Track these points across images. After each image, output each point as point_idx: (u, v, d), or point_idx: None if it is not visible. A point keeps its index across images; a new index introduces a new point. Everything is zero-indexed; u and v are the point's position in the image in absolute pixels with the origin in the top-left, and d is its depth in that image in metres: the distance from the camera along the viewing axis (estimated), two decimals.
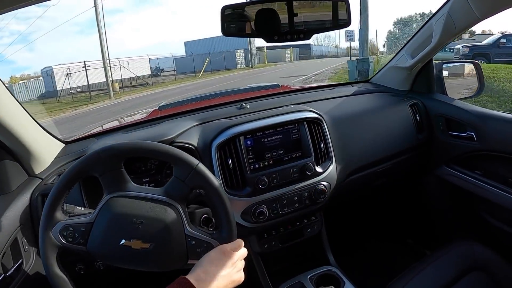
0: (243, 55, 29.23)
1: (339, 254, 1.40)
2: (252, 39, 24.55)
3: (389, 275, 1.14)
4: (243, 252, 0.80)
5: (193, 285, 0.66)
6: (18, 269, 0.92)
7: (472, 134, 1.36)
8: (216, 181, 0.79)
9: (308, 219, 1.34)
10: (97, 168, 0.78)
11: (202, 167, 0.77)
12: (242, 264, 0.79)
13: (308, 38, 0.88)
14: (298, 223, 1.33)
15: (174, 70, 27.36)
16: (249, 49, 28.93)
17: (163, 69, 30.06)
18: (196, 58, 25.93)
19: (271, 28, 0.85)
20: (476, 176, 1.38)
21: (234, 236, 0.79)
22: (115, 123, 1.51)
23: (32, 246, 0.99)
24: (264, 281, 1.32)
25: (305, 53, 45.49)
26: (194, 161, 0.77)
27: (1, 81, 0.92)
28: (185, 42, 35.35)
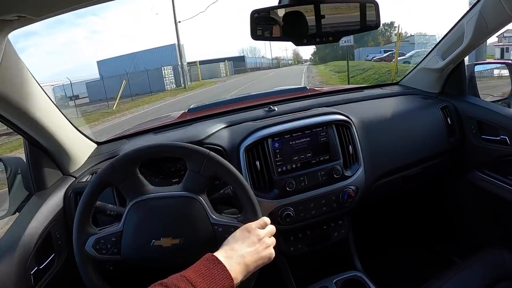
0: (172, 72, 23.70)
1: (365, 258, 1.39)
2: (182, 53, 22.61)
3: (416, 282, 1.11)
4: (270, 229, 0.79)
5: (220, 261, 0.65)
6: (51, 263, 0.97)
7: (505, 138, 1.31)
8: (230, 165, 0.81)
9: (335, 223, 1.33)
10: (115, 179, 0.83)
11: (213, 155, 0.80)
12: (271, 241, 0.78)
13: (337, 41, 0.88)
14: (325, 227, 1.32)
15: (87, 97, 21.58)
16: (180, 65, 23.16)
17: (77, 96, 21.18)
18: (112, 80, 19.55)
19: (300, 31, 0.85)
20: (509, 182, 1.33)
21: (258, 214, 0.80)
22: (146, 125, 1.56)
23: (64, 241, 1.03)
24: (289, 284, 1.32)
25: (240, 66, 43.43)
26: (204, 151, 0.80)
27: (39, 84, 0.97)
28: (98, 62, 28.48)
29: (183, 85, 22.86)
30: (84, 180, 1.12)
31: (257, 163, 1.13)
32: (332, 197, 1.19)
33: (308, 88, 1.70)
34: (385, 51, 24.80)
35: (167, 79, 23.09)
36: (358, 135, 1.25)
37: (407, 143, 1.36)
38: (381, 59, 22.62)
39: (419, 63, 1.59)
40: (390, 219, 1.88)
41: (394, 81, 1.71)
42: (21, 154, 1.13)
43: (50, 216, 1.00)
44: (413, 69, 1.64)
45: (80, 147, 1.19)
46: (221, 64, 37.13)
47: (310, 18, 0.85)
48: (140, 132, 1.40)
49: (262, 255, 0.73)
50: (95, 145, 1.31)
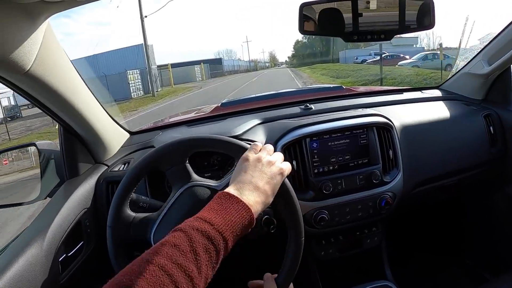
0: (139, 77, 20.37)
1: (395, 268, 1.33)
2: (150, 54, 19.84)
3: None
4: (269, 147, 0.74)
5: (232, 194, 0.60)
6: (79, 251, 0.96)
7: None
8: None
9: (368, 230, 1.29)
10: (165, 163, 0.80)
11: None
12: (279, 156, 0.72)
13: (389, 39, 0.83)
14: (358, 233, 1.28)
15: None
16: (148, 69, 19.24)
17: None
18: None
19: (350, 27, 0.81)
20: None
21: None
22: (179, 117, 1.55)
23: (94, 230, 1.03)
24: None
25: (216, 69, 39.84)
26: (245, 145, 0.77)
27: (77, 71, 0.96)
28: None
29: (151, 92, 19.52)
30: (116, 169, 1.11)
31: (294, 162, 1.10)
32: (369, 202, 1.14)
33: (343, 87, 1.64)
34: (375, 54, 23.49)
35: (133, 85, 19.85)
36: (398, 139, 1.19)
37: (447, 151, 1.30)
38: (375, 62, 21.46)
39: (463, 68, 1.51)
40: (422, 228, 1.81)
41: (434, 85, 1.63)
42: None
43: (81, 204, 1.00)
44: (455, 73, 1.56)
45: (113, 136, 1.19)
46: (196, 67, 33.98)
47: (366, 15, 0.82)
48: (173, 124, 1.39)
49: (273, 171, 0.67)
50: (128, 135, 1.30)
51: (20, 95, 0.86)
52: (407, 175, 1.19)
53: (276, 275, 0.77)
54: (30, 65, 0.73)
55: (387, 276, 1.32)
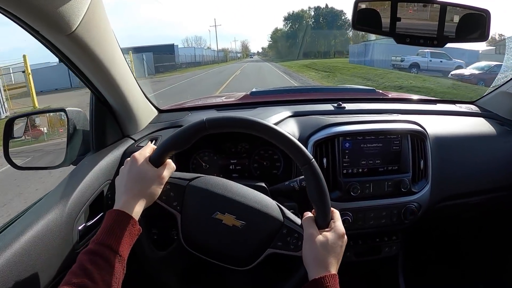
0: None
1: (409, 278, 1.32)
2: None
3: None
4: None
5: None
6: (99, 221, 0.96)
7: None
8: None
9: (389, 237, 1.27)
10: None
11: (315, 164, 0.73)
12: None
13: (442, 46, 0.81)
14: (378, 239, 1.26)
15: None
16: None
17: None
18: None
19: (411, 31, 0.79)
20: None
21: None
22: (208, 101, 1.54)
23: (114, 201, 1.03)
24: None
25: (165, 61, 25.99)
26: (309, 156, 0.74)
27: (118, 42, 0.95)
28: None
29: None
30: (142, 144, 1.11)
31: (324, 160, 1.08)
32: (394, 210, 1.13)
33: (376, 90, 1.62)
34: (439, 57, 16.94)
35: None
36: (431, 150, 1.17)
37: (478, 169, 1.27)
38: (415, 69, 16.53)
39: (501, 86, 1.46)
40: (441, 241, 1.78)
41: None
42: None
43: (106, 175, 1.00)
44: (492, 91, 1.52)
45: (143, 111, 1.19)
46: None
47: (420, 19, 0.79)
48: (202, 106, 1.38)
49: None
50: (156, 112, 1.30)
51: (59, 58, 0.85)
52: (435, 188, 1.17)
53: (310, 215, 0.77)
54: (75, 27, 0.72)
55: (400, 286, 1.30)
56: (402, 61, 18.45)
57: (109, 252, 0.62)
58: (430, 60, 17.41)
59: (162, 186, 0.75)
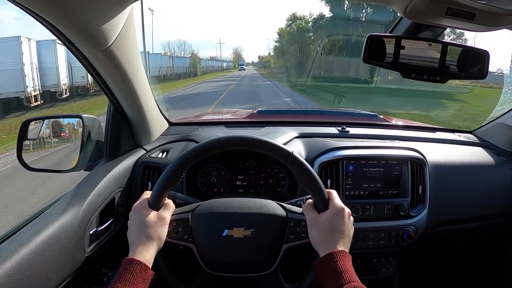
0: None
1: None
2: None
3: None
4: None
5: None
6: (108, 227, 1.00)
7: None
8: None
9: (386, 259, 1.30)
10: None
11: (296, 155, 0.79)
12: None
13: (444, 82, 0.87)
14: (375, 260, 1.30)
15: None
16: None
17: None
18: None
19: (415, 59, 0.85)
20: None
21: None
22: (217, 116, 1.59)
23: (124, 209, 1.07)
24: None
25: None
26: (288, 149, 0.80)
27: (140, 58, 1.01)
28: None
29: None
30: (154, 155, 1.16)
31: (329, 182, 1.13)
32: (392, 232, 1.17)
33: (379, 116, 1.67)
34: None
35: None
36: (429, 177, 1.22)
37: (473, 196, 1.31)
38: None
39: (499, 117, 1.52)
40: (435, 263, 1.81)
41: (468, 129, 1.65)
42: None
43: (118, 182, 1.04)
44: (491, 121, 1.58)
45: (156, 124, 1.24)
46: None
47: (422, 55, 0.85)
48: (211, 122, 1.43)
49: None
50: (167, 124, 1.35)
51: (89, 72, 0.91)
52: (431, 213, 1.22)
53: (309, 201, 0.81)
54: (110, 43, 0.78)
55: None
56: None
57: None
58: None
59: (167, 226, 0.79)
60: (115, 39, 0.78)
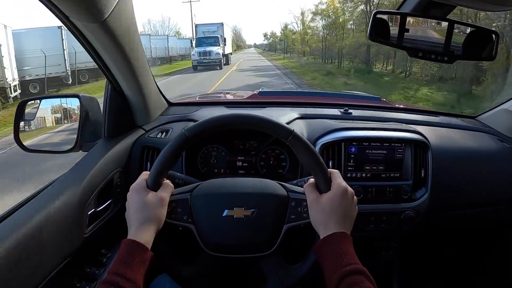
0: None
1: (403, 285, 1.35)
2: None
3: None
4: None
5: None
6: (107, 207, 0.99)
7: None
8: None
9: (386, 242, 1.30)
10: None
11: (298, 133, 0.78)
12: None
13: (451, 63, 0.84)
14: (376, 243, 1.29)
15: None
16: None
17: None
18: None
19: (418, 43, 0.82)
20: None
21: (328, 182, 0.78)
22: (217, 97, 1.57)
23: (123, 189, 1.06)
24: None
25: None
26: (290, 128, 0.78)
27: (139, 36, 0.98)
28: None
29: None
30: (152, 135, 1.14)
31: (330, 163, 1.12)
32: (393, 216, 1.16)
33: (381, 99, 1.65)
34: None
35: None
36: (431, 160, 1.21)
37: (476, 182, 1.31)
38: None
39: (503, 103, 1.50)
40: (436, 252, 1.82)
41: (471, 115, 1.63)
42: None
43: (116, 163, 1.03)
44: (494, 107, 1.56)
45: (155, 104, 1.22)
46: None
47: (433, 35, 0.83)
48: (212, 102, 1.41)
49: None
50: (166, 105, 1.32)
51: (85, 47, 0.88)
52: (433, 197, 1.20)
53: (311, 181, 0.79)
54: (106, 16, 0.75)
55: None
56: None
57: (124, 281, 0.64)
58: None
59: (166, 207, 0.77)
60: (112, 11, 0.75)
